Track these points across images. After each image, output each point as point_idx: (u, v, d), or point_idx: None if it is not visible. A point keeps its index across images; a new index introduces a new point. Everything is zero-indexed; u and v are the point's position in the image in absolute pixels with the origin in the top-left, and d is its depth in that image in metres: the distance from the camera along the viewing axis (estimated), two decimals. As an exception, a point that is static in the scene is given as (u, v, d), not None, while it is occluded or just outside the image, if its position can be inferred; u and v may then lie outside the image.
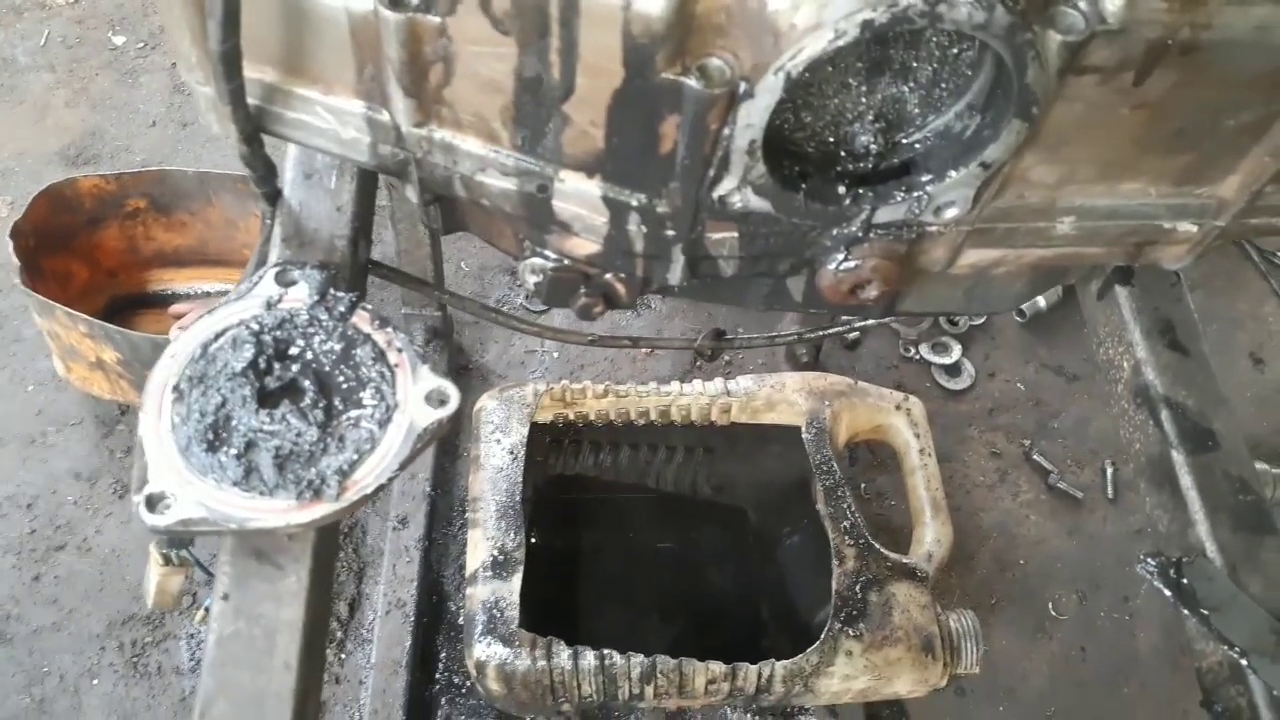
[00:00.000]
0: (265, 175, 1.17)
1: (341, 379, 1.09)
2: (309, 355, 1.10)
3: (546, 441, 2.39)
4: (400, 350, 1.12)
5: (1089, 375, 3.11)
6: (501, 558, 2.17)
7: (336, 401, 1.08)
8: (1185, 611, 1.07)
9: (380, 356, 1.11)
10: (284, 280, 1.15)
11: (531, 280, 1.17)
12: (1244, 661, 1.00)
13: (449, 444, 2.73)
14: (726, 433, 2.51)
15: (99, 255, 2.82)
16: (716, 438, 2.61)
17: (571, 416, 2.27)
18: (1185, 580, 1.08)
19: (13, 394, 2.77)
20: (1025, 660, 2.70)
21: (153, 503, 1.00)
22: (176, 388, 1.07)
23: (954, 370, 3.13)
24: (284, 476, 1.02)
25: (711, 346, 1.61)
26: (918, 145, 1.03)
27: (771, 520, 2.65)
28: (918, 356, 3.13)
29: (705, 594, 2.69)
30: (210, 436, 1.04)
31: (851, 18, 0.82)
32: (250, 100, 1.04)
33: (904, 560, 2.31)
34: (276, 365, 1.09)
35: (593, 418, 2.30)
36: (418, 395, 1.09)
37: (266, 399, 1.07)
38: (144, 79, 3.42)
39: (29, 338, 2.81)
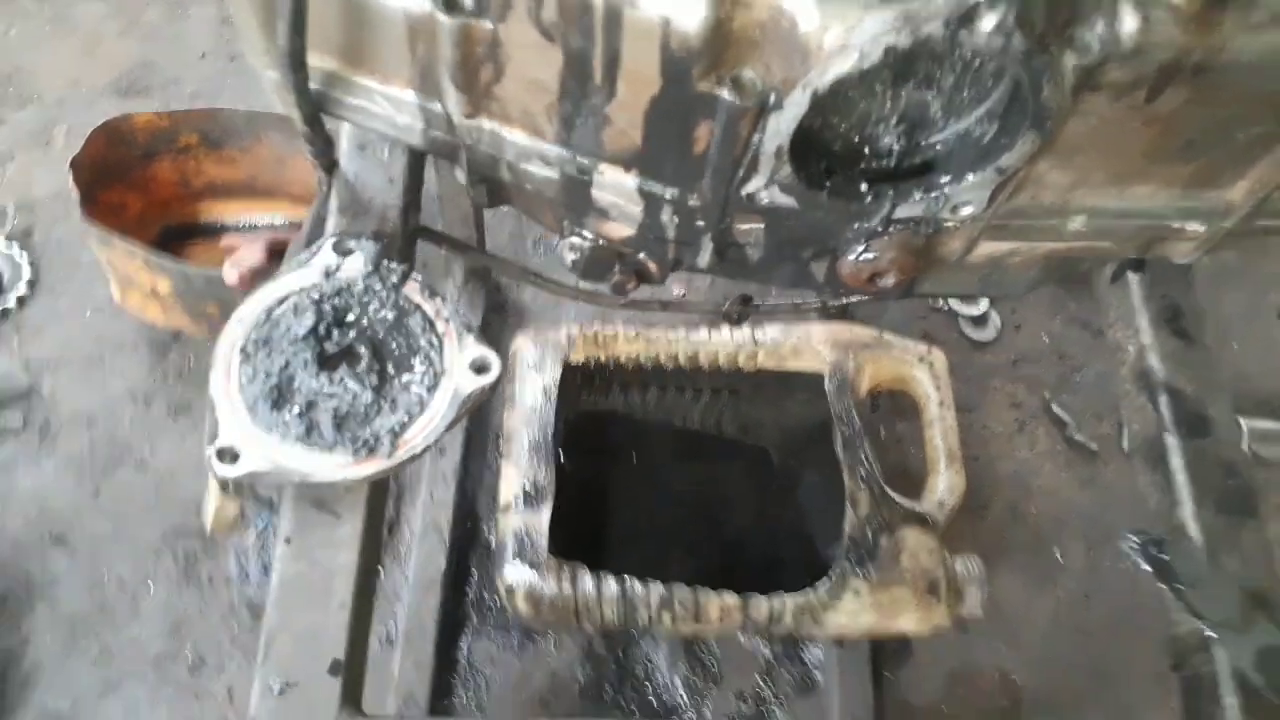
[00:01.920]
0: (324, 149, 1.24)
1: (394, 345, 1.19)
2: (365, 323, 1.20)
3: (578, 379, 2.49)
4: (448, 320, 1.21)
5: (1114, 331, 3.14)
6: (533, 491, 2.29)
7: (389, 367, 1.18)
8: (1162, 585, 1.16)
9: (429, 325, 1.20)
10: (341, 250, 1.24)
11: (569, 257, 1.25)
12: (1212, 634, 1.09)
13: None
14: (752, 378, 2.61)
15: (152, 187, 2.92)
16: (743, 381, 2.70)
17: (603, 358, 2.37)
18: (1166, 556, 1.16)
19: (73, 318, 2.90)
20: (1030, 605, 2.81)
21: (223, 455, 1.11)
22: (244, 349, 1.17)
23: (981, 321, 3.18)
24: (342, 435, 1.12)
25: (739, 311, 1.68)
26: (938, 147, 1.09)
27: (793, 461, 2.75)
28: (946, 307, 3.18)
29: (727, 528, 2.81)
30: (275, 396, 1.14)
31: (876, 42, 0.88)
32: (311, 85, 1.12)
33: (916, 507, 2.41)
34: (335, 331, 1.18)
35: (623, 360, 2.39)
36: (463, 363, 1.19)
37: (326, 362, 1.17)
38: (193, 10, 3.47)
39: (87, 264, 2.93)
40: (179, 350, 2.87)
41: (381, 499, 1.19)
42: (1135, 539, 1.19)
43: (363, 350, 1.17)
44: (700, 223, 1.12)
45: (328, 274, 1.22)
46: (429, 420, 1.15)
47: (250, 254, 2.43)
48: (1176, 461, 1.25)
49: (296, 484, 1.12)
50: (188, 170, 2.93)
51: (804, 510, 2.76)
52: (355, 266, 1.23)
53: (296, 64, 1.04)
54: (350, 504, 1.12)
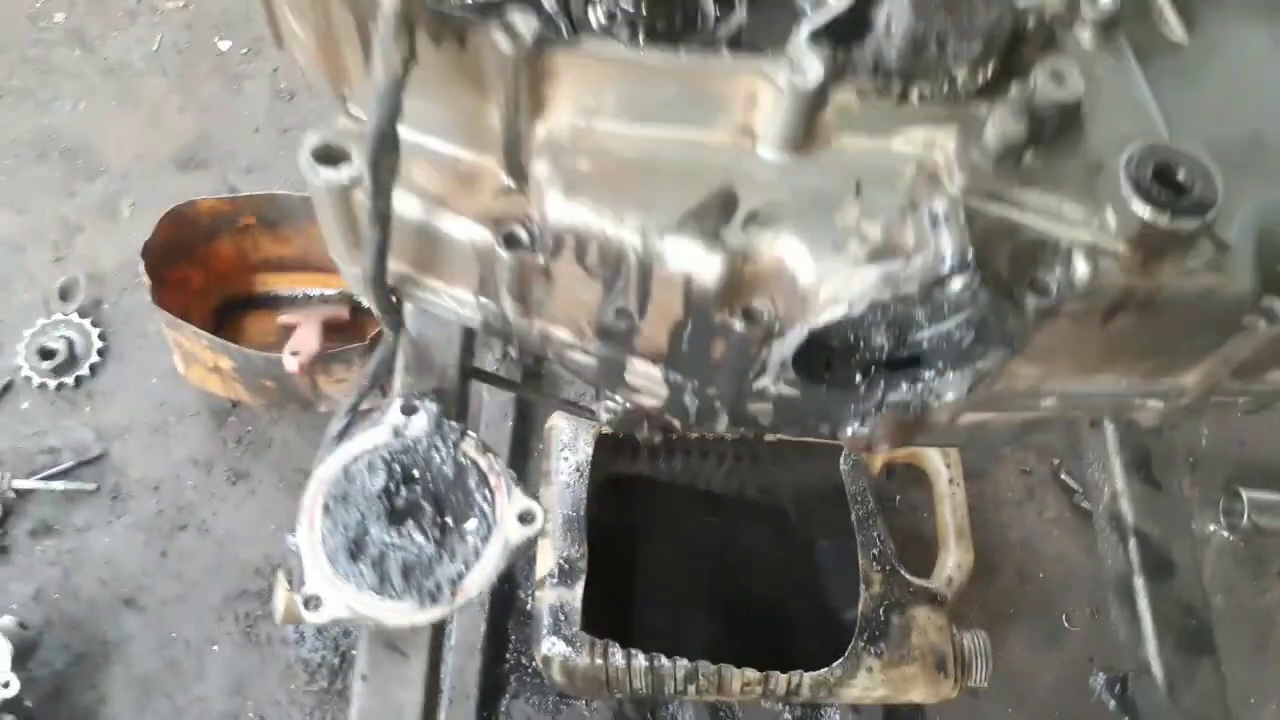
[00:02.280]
0: (394, 321, 1.43)
1: (454, 499, 1.38)
2: (428, 478, 1.38)
3: (610, 447, 2.68)
4: (499, 474, 1.40)
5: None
6: (567, 566, 2.50)
7: (449, 519, 1.37)
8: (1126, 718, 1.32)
9: (483, 480, 1.39)
10: (408, 410, 1.43)
11: (604, 415, 1.44)
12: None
13: (521, 446, 3.02)
14: (773, 445, 2.81)
15: (213, 262, 3.14)
16: (763, 448, 2.90)
17: (631, 431, 2.56)
18: (1129, 693, 1.32)
19: (139, 385, 3.12)
20: (1037, 667, 2.96)
21: (309, 602, 1.30)
22: (325, 505, 1.36)
23: (992, 389, 3.33)
24: (409, 584, 1.31)
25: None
26: (924, 344, 1.26)
27: (810, 521, 2.92)
28: (958, 376, 3.33)
29: (747, 582, 2.99)
30: (352, 548, 1.33)
31: (863, 297, 1.06)
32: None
33: (926, 585, 2.59)
34: (403, 488, 1.37)
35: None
36: (512, 514, 1.37)
37: (395, 516, 1.36)
38: (247, 85, 3.69)
39: (151, 334, 3.15)
40: (238, 418, 3.09)
41: (441, 637, 1.37)
42: (1103, 676, 1.35)
43: (427, 506, 1.36)
44: (717, 404, 1.30)
45: (396, 433, 1.41)
46: (483, 569, 1.34)
47: (307, 342, 2.64)
48: (1143, 603, 1.41)
49: (371, 628, 1.30)
50: (246, 247, 3.15)
51: (820, 568, 2.95)
52: (420, 425, 1.42)
53: (378, 283, 1.22)
54: (416, 644, 1.31)
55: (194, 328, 2.74)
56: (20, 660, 2.43)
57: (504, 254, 1.15)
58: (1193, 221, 1.03)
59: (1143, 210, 1.04)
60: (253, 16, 3.84)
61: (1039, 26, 1.14)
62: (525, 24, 1.03)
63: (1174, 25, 1.24)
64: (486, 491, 1.38)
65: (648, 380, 1.29)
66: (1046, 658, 2.97)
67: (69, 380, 3.07)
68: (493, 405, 2.88)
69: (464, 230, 1.18)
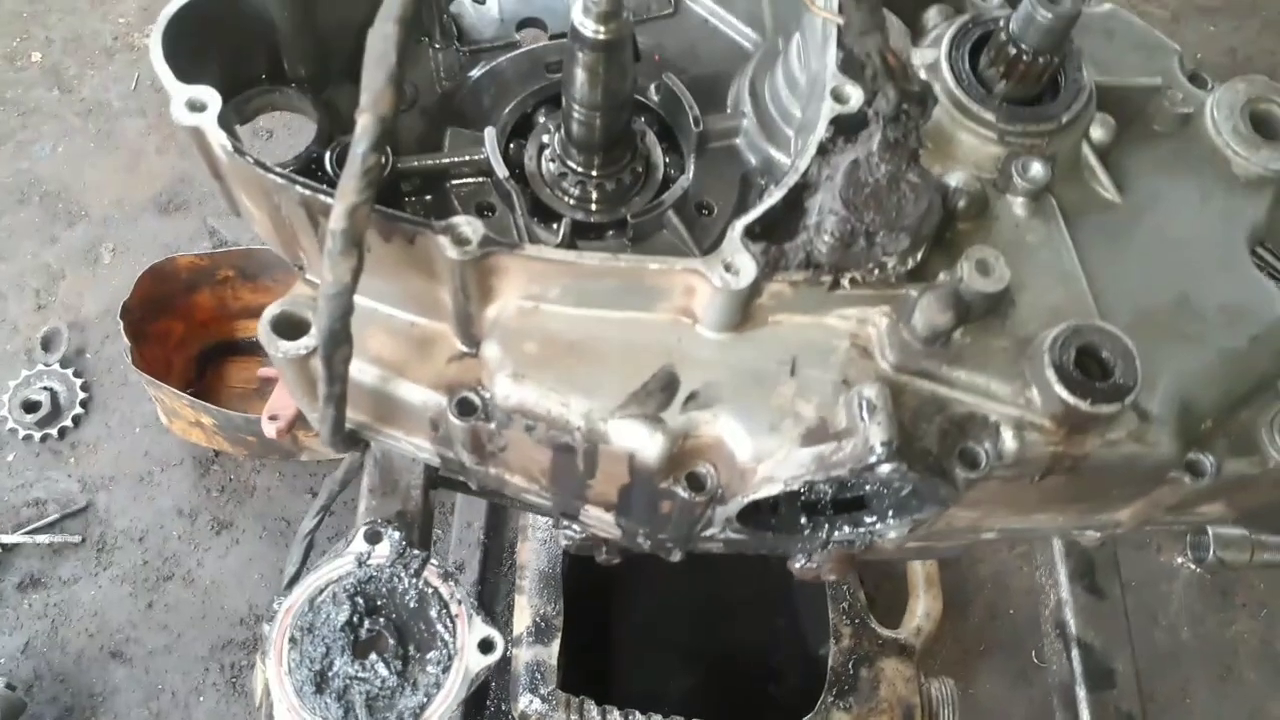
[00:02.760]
0: (357, 453, 1.48)
1: (416, 629, 1.43)
2: (392, 609, 1.43)
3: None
4: (460, 602, 1.45)
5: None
6: (543, 624, 2.55)
7: (412, 649, 1.42)
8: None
9: (445, 609, 1.44)
10: (371, 538, 1.48)
11: (563, 541, 1.48)
12: None
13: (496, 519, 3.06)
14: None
15: (194, 313, 3.17)
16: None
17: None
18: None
19: (123, 435, 3.16)
20: (1007, 704, 3.03)
21: (279, 737, 1.35)
22: (292, 637, 1.41)
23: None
24: (373, 716, 1.37)
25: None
26: (866, 489, 1.31)
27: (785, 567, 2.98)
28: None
29: (728, 629, 3.05)
30: (318, 681, 1.38)
31: (797, 479, 1.10)
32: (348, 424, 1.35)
33: (895, 636, 2.65)
34: (367, 620, 1.42)
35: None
36: (472, 643, 1.42)
37: (359, 648, 1.41)
38: (226, 125, 3.69)
39: (134, 382, 3.19)
40: (221, 466, 3.13)
41: None
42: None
43: (390, 638, 1.41)
44: (669, 544, 1.35)
45: (360, 562, 1.46)
46: (444, 698, 1.39)
47: (286, 404, 2.67)
48: (1085, 713, 1.47)
49: (338, 759, 1.36)
50: (226, 297, 3.18)
51: (798, 609, 3.01)
52: (383, 552, 1.47)
53: (335, 444, 1.27)
54: None
55: (174, 389, 2.77)
56: (10, 720, 2.49)
57: (457, 422, 1.20)
58: (1112, 406, 1.08)
59: (1065, 395, 1.08)
60: (230, 53, 3.85)
61: (969, 204, 1.19)
62: (471, 230, 1.07)
63: (1106, 184, 1.28)
64: (448, 620, 1.43)
65: (601, 522, 1.34)
66: (1016, 695, 3.05)
67: (53, 432, 3.11)
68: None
69: (419, 396, 1.23)
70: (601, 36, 1.12)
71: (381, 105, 0.96)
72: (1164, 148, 1.33)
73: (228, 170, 1.15)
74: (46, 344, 3.27)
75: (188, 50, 1.20)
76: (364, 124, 0.96)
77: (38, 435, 3.11)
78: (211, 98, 1.12)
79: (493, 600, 3.02)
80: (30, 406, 3.12)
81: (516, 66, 1.43)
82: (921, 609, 2.71)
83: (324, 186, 1.08)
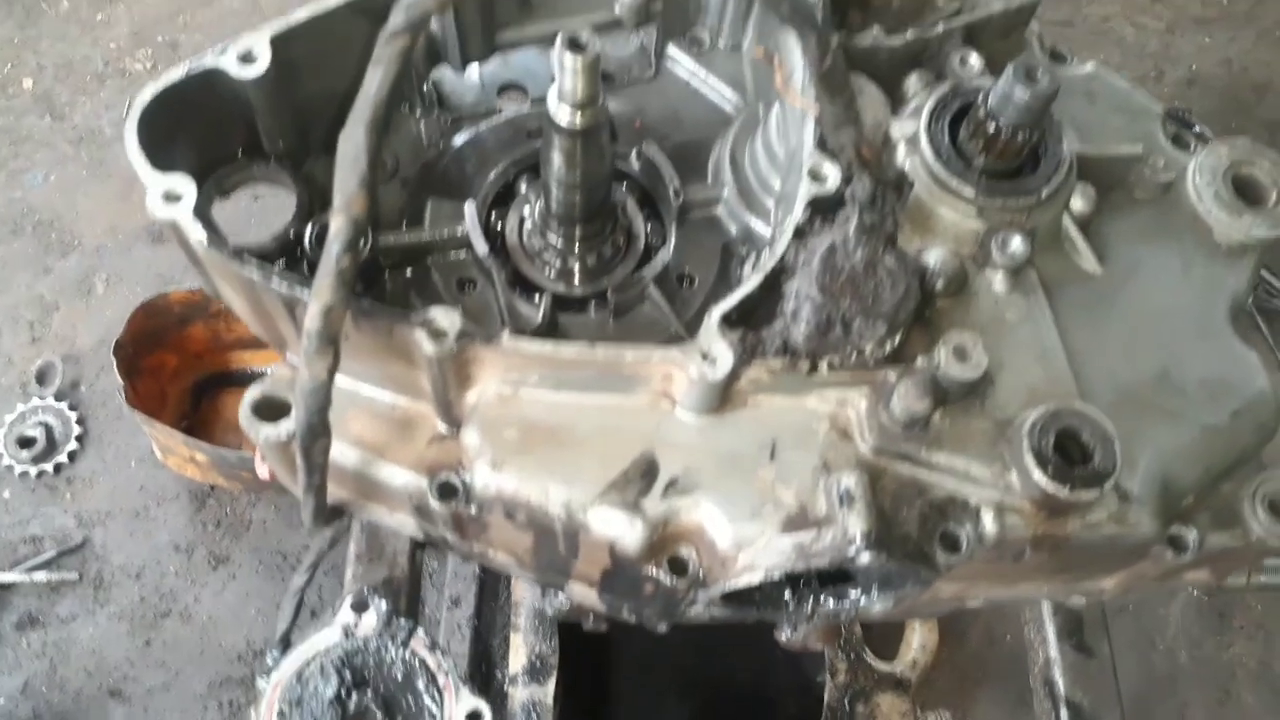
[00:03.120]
0: (341, 525, 1.48)
1: (404, 702, 1.43)
2: (379, 681, 1.43)
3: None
4: (447, 674, 1.44)
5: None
6: (538, 663, 2.55)
7: (399, 721, 1.42)
8: None
9: (432, 680, 1.44)
10: (358, 607, 1.48)
11: (549, 611, 1.48)
12: None
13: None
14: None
15: (187, 345, 3.17)
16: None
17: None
18: None
19: (119, 470, 3.16)
20: (1005, 730, 3.03)
21: (267, 812, 1.35)
22: (281, 712, 1.41)
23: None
24: (361, 791, 1.37)
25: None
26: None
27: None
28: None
29: (727, 662, 3.03)
30: (306, 755, 1.38)
31: (777, 568, 1.10)
32: (331, 500, 1.35)
33: (891, 670, 2.65)
34: (354, 693, 1.42)
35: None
36: (460, 715, 1.42)
37: (347, 721, 1.41)
38: (219, 153, 3.69)
39: (129, 415, 3.18)
40: (217, 500, 3.13)
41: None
42: None
43: (377, 711, 1.41)
44: (654, 619, 1.34)
45: (347, 633, 1.46)
46: (433, 773, 1.39)
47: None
48: (1072, 774, 1.47)
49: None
50: (219, 329, 3.18)
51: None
52: (370, 623, 1.47)
53: (319, 523, 1.26)
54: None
55: (167, 428, 2.77)
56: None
57: (437, 505, 1.19)
58: (1091, 493, 1.07)
59: (1043, 481, 1.08)
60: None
61: (948, 283, 1.18)
62: (448, 322, 1.07)
63: (1087, 255, 1.27)
64: (435, 692, 1.43)
65: (585, 598, 1.34)
66: (1014, 720, 3.04)
67: (49, 467, 3.11)
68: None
69: (401, 478, 1.22)
70: (578, 125, 1.12)
71: (354, 208, 0.95)
72: (1146, 215, 1.32)
73: (204, 259, 1.15)
74: (41, 377, 3.27)
75: (163, 132, 1.20)
76: (337, 226, 0.96)
77: (33, 471, 3.11)
78: (187, 188, 1.12)
79: (489, 634, 3.01)
80: (25, 442, 3.12)
81: (497, 134, 1.42)
82: (917, 641, 2.71)
83: (301, 276, 1.08)
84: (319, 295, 0.97)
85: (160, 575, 3.03)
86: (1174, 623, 3.27)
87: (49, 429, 3.17)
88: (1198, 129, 3.65)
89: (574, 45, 1.03)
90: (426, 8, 0.88)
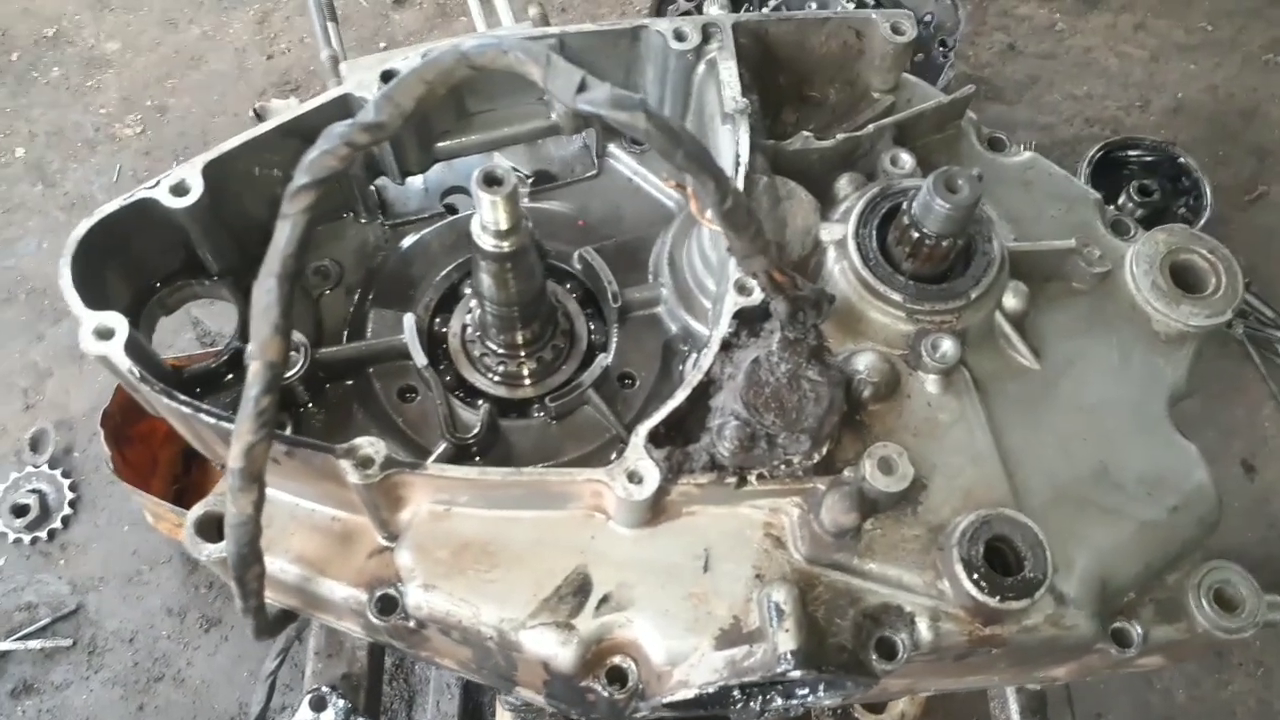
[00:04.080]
0: (296, 628, 1.49)
1: (361, 802, 1.43)
2: (336, 783, 1.44)
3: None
4: (406, 771, 1.45)
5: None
6: None
7: (358, 823, 1.42)
8: None
9: (390, 779, 1.44)
10: (317, 706, 1.49)
11: (506, 706, 1.49)
12: None
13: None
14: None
15: (176, 410, 3.19)
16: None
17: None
18: None
19: (112, 534, 3.19)
20: (1000, 777, 3.00)
21: None
22: (239, 815, 1.42)
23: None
24: None
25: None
26: (797, 660, 1.31)
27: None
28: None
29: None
30: None
31: (710, 684, 1.10)
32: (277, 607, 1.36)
33: (879, 724, 2.63)
34: (312, 796, 1.43)
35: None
36: (419, 813, 1.42)
37: (306, 824, 1.42)
38: (207, 214, 3.73)
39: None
40: (208, 563, 3.15)
41: None
42: None
43: (335, 814, 1.42)
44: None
45: (306, 733, 1.47)
46: None
47: (263, 511, 2.68)
48: None
49: None
50: (208, 393, 3.20)
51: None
52: (329, 719, 1.48)
53: (263, 637, 1.28)
54: None
55: (154, 497, 2.80)
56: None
57: (377, 621, 1.20)
58: (1022, 602, 1.07)
59: (974, 591, 1.08)
60: (209, 141, 3.89)
61: (878, 388, 1.19)
62: (374, 451, 1.08)
63: (1022, 350, 1.27)
64: (394, 791, 1.44)
65: (535, 701, 1.34)
66: (1010, 767, 3.01)
67: (43, 534, 3.14)
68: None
69: (342, 593, 1.23)
70: (505, 249, 1.14)
71: (269, 353, 0.97)
72: (1084, 305, 1.32)
73: (139, 389, 1.17)
74: (35, 445, 3.30)
75: (101, 260, 1.22)
76: (254, 370, 0.97)
77: (27, 539, 3.14)
78: (119, 324, 1.14)
79: (479, 692, 3.01)
80: (19, 510, 3.15)
81: (441, 238, 1.44)
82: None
83: (227, 414, 1.10)
84: (240, 436, 0.98)
85: (153, 639, 3.05)
86: (1172, 662, 3.24)
87: (43, 496, 3.20)
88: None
89: (490, 180, 1.05)
90: (330, 166, 0.90)
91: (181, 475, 3.29)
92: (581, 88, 0.87)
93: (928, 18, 3.48)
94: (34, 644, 3.01)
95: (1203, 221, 3.62)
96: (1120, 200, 3.65)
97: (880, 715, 2.67)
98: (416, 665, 3.03)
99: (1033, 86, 4.33)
